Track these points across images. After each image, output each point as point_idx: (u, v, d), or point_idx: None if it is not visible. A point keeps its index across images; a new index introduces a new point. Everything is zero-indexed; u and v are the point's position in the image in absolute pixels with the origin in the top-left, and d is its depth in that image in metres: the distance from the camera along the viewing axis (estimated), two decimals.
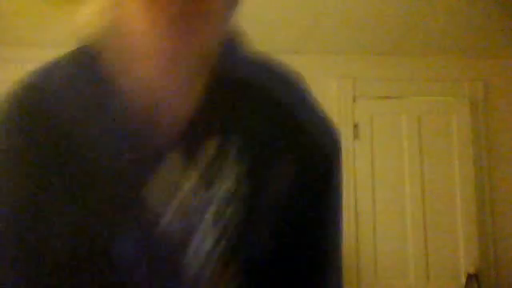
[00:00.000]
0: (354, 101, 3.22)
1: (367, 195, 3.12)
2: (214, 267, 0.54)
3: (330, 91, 3.22)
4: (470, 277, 2.97)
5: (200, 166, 0.54)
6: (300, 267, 0.59)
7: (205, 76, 0.56)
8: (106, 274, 0.53)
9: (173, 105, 0.55)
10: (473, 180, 3.15)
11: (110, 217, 0.54)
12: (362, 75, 3.25)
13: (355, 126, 3.19)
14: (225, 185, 0.55)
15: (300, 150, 0.60)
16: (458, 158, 3.18)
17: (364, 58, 3.25)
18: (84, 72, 0.59)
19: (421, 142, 3.20)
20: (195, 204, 0.54)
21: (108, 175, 0.54)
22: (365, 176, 3.14)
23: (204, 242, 0.54)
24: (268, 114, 0.59)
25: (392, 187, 3.15)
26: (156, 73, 0.54)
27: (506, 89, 3.31)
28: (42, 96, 0.59)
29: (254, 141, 0.57)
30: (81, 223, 0.53)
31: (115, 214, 0.54)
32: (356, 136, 3.18)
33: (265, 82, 0.62)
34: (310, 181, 0.60)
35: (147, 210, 0.53)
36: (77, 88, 0.58)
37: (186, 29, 0.50)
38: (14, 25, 2.84)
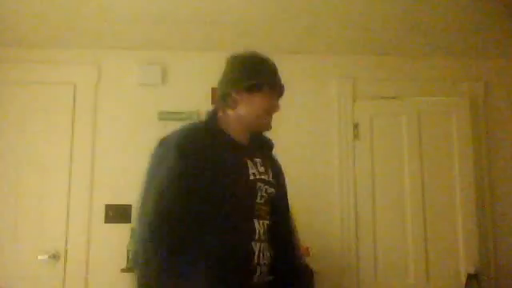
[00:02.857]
0: (354, 101, 3.22)
1: (367, 195, 3.12)
2: (263, 202, 1.58)
3: (330, 91, 3.22)
4: (469, 277, 2.97)
5: (260, 164, 1.63)
6: (285, 197, 1.74)
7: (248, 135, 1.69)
8: (228, 201, 1.48)
9: (242, 139, 1.65)
10: (473, 180, 3.15)
11: (229, 182, 1.51)
12: (361, 75, 3.26)
13: (355, 126, 3.19)
14: (270, 173, 1.66)
15: (278, 166, 1.75)
16: (458, 157, 3.18)
17: (364, 58, 3.26)
18: (212, 127, 1.62)
19: (421, 142, 3.20)
20: (263, 176, 1.61)
21: (226, 167, 1.51)
22: (365, 176, 3.14)
23: (262, 191, 1.58)
24: (268, 151, 1.75)
25: (392, 187, 3.15)
26: (239, 133, 1.64)
27: (506, 89, 3.32)
28: (190, 140, 1.52)
29: (272, 162, 1.72)
30: (214, 189, 1.46)
31: (233, 180, 1.52)
32: (356, 136, 3.18)
33: (265, 139, 1.76)
34: (282, 176, 1.75)
35: (246, 174, 1.56)
36: (208, 135, 1.56)
37: (269, 124, 1.68)
38: (14, 25, 2.84)
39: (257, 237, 1.51)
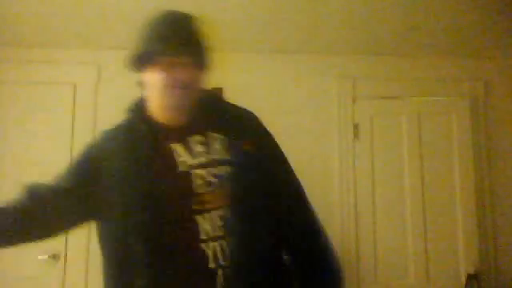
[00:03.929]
0: (354, 101, 3.22)
1: (367, 195, 3.12)
2: (210, 189, 1.27)
3: (330, 91, 3.22)
4: (469, 277, 2.98)
5: (199, 144, 1.32)
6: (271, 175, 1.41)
7: (189, 109, 1.35)
8: (157, 193, 1.26)
9: (175, 119, 1.35)
10: (473, 180, 3.15)
11: (157, 166, 1.29)
12: (362, 75, 3.26)
13: (355, 126, 3.19)
14: (215, 151, 1.31)
15: (244, 134, 1.37)
16: (458, 157, 3.18)
17: (364, 58, 3.26)
18: (138, 111, 1.41)
19: (421, 142, 3.20)
20: (201, 158, 1.30)
21: (154, 150, 1.31)
22: (365, 176, 3.14)
23: (202, 177, 1.27)
24: (225, 122, 1.37)
25: (392, 187, 3.15)
26: (169, 112, 1.34)
27: (506, 89, 3.32)
28: (116, 132, 1.43)
29: (222, 134, 1.33)
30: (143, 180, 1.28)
31: (160, 166, 1.29)
32: (356, 136, 3.18)
33: (225, 108, 1.43)
34: (252, 144, 1.36)
35: (175, 162, 1.29)
36: (135, 121, 1.40)
37: (179, 100, 1.31)
38: (14, 25, 2.84)
39: (205, 236, 1.23)
